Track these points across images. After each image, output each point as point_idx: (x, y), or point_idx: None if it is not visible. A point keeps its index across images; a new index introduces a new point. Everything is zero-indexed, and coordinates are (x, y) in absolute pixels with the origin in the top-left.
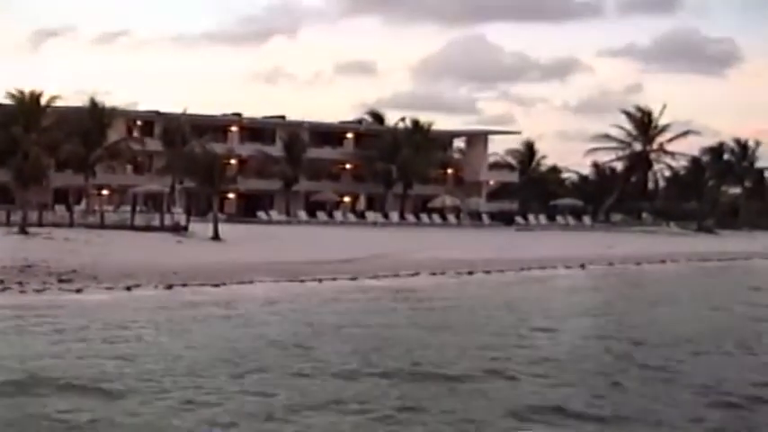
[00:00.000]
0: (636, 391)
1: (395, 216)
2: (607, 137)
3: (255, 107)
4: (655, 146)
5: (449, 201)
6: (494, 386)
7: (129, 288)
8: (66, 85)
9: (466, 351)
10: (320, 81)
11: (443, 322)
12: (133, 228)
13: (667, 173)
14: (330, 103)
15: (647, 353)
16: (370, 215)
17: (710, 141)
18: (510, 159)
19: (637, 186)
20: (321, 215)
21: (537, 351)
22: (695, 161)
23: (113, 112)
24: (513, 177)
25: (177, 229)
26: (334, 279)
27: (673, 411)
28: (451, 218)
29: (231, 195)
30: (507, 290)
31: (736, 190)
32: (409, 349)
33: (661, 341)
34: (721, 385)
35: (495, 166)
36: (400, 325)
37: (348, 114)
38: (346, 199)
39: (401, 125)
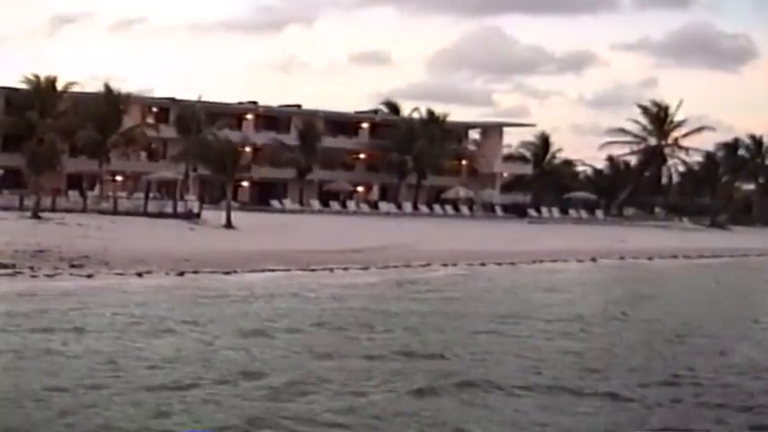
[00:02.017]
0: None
1: (408, 207)
2: (622, 131)
3: (270, 96)
4: (669, 141)
5: (462, 192)
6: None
7: (140, 274)
8: (82, 72)
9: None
10: (335, 71)
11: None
12: (146, 214)
13: (681, 168)
14: (345, 92)
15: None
16: (384, 205)
17: (725, 137)
18: (524, 152)
19: (650, 181)
20: (334, 205)
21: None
22: (709, 157)
23: (129, 99)
24: (527, 170)
25: (190, 217)
26: (346, 269)
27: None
28: (465, 209)
29: (245, 183)
30: (517, 280)
31: (750, 186)
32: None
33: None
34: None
35: (510, 158)
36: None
37: (362, 104)
38: (360, 189)
39: (416, 116)
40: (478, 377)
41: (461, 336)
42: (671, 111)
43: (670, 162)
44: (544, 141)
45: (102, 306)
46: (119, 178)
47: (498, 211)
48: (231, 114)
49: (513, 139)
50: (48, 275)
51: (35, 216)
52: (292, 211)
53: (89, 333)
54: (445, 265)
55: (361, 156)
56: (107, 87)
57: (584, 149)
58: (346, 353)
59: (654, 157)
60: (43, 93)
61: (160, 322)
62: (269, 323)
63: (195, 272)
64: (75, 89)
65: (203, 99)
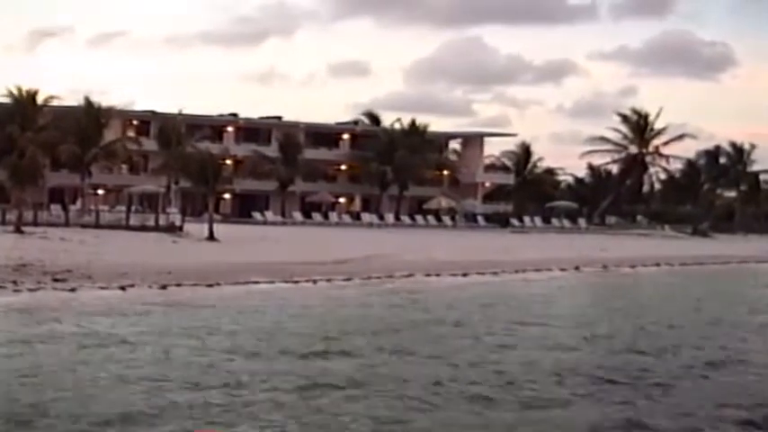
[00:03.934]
0: None
1: (390, 217)
2: (603, 139)
3: (250, 108)
4: (650, 149)
5: (444, 202)
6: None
7: (123, 288)
8: (62, 86)
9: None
10: (314, 82)
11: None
12: (128, 228)
13: (663, 176)
14: (324, 103)
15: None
16: (366, 216)
17: (706, 145)
18: (505, 161)
19: (632, 189)
20: (317, 216)
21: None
22: (690, 164)
23: (109, 112)
24: (509, 179)
25: (172, 230)
26: (329, 280)
27: None
28: (447, 219)
29: (227, 196)
30: (500, 290)
31: (732, 193)
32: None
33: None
34: None
35: (491, 167)
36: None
37: (342, 116)
38: (342, 200)
39: (397, 126)
40: None
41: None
42: (651, 119)
43: (651, 170)
44: (525, 151)
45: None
46: (100, 192)
47: (480, 220)
48: (212, 126)
49: (493, 149)
50: (31, 289)
51: (17, 230)
52: (275, 223)
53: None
54: (428, 275)
55: (343, 167)
56: (87, 101)
57: (565, 158)
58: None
59: (635, 165)
60: (24, 106)
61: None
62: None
63: (178, 284)
64: (56, 103)
65: (184, 112)
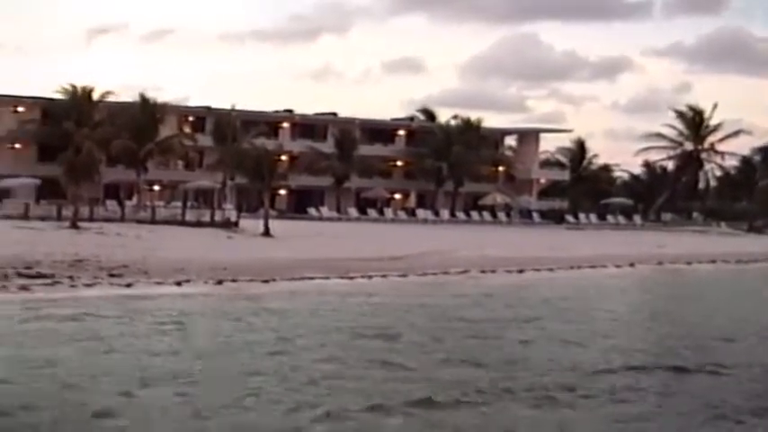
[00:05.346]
0: None
1: (445, 213)
2: (658, 136)
3: (304, 104)
4: (706, 145)
5: (499, 198)
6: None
7: (179, 283)
8: (117, 82)
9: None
10: (369, 79)
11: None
12: (184, 223)
13: (718, 172)
14: (378, 100)
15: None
16: (421, 212)
17: (761, 141)
18: (560, 157)
19: (687, 186)
20: (372, 212)
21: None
22: (746, 161)
23: (165, 108)
24: (564, 176)
25: (228, 225)
26: (384, 276)
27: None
28: (502, 216)
29: (282, 192)
30: (557, 287)
31: None
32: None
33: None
34: None
35: (546, 164)
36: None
37: (396, 112)
38: (397, 196)
39: (453, 122)
40: None
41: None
42: (706, 115)
43: (707, 167)
44: (580, 147)
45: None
46: (156, 187)
47: (536, 217)
48: (267, 123)
49: (548, 145)
50: (87, 285)
51: (73, 226)
52: (330, 219)
53: None
54: (483, 271)
55: (398, 163)
56: (143, 97)
57: (619, 155)
58: None
59: (690, 161)
60: (79, 103)
61: None
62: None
63: (234, 280)
64: (111, 99)
65: (238, 108)
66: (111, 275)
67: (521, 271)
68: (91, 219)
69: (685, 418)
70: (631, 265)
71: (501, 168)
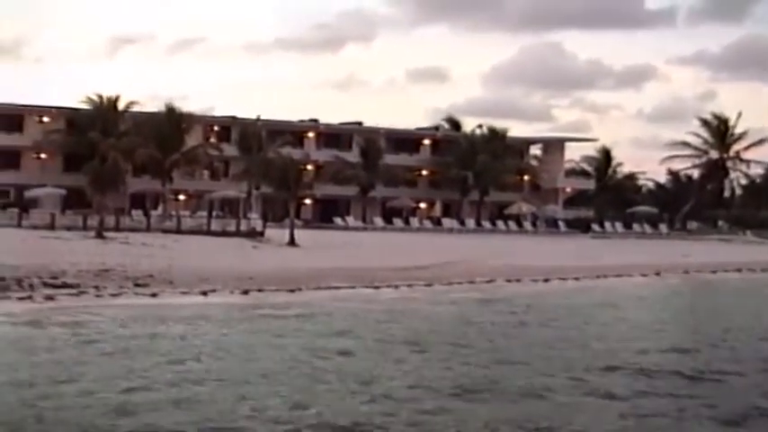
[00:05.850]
0: None
1: (471, 223)
2: (683, 144)
3: (329, 114)
4: (731, 153)
5: (525, 207)
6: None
7: (204, 293)
8: (142, 92)
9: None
10: (393, 88)
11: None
12: (209, 233)
13: (743, 181)
14: (403, 110)
15: None
16: (446, 222)
17: None
18: (586, 166)
19: (713, 194)
20: (397, 221)
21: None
22: None
23: (190, 118)
24: (590, 185)
25: (253, 235)
26: (410, 285)
27: None
28: (527, 225)
29: (308, 201)
30: (583, 295)
31: None
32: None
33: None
34: None
35: (572, 173)
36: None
37: (421, 121)
38: (422, 205)
39: (478, 132)
40: None
41: None
42: (731, 123)
43: (732, 175)
44: (605, 155)
45: None
46: (181, 197)
47: (561, 226)
48: (292, 132)
49: (574, 154)
50: (112, 294)
51: (99, 236)
52: (355, 229)
53: None
54: (509, 280)
55: (423, 172)
56: (168, 107)
57: (645, 163)
58: None
59: (716, 170)
60: (105, 112)
61: None
62: None
63: (260, 290)
64: (136, 109)
65: (263, 117)
66: (137, 285)
67: (546, 280)
68: (116, 228)
69: None
70: (657, 273)
71: (526, 177)
